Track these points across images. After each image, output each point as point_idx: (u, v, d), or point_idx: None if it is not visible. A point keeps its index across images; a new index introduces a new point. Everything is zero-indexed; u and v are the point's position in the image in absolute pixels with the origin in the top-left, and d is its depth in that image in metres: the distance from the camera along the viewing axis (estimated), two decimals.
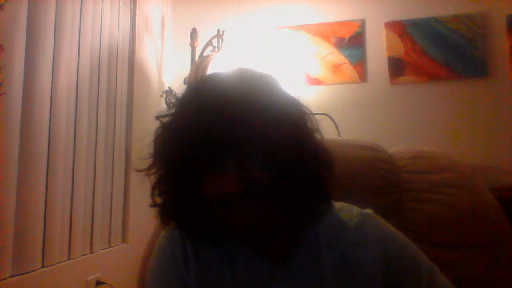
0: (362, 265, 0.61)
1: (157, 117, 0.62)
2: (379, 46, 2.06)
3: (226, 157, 0.51)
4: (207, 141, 0.50)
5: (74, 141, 1.45)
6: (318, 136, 0.60)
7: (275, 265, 0.62)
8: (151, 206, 0.63)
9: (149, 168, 0.60)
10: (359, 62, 2.06)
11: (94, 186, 1.57)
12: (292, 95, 0.60)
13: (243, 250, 0.63)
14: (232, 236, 0.62)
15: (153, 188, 0.61)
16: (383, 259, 0.62)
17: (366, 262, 0.61)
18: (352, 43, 2.08)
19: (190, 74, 1.90)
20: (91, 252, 1.53)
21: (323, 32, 2.13)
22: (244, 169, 0.51)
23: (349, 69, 2.07)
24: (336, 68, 2.08)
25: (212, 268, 0.62)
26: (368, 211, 0.68)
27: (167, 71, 2.26)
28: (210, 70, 1.86)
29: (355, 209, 0.68)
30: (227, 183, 0.52)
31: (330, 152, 0.60)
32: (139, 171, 0.61)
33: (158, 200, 0.62)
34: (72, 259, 1.42)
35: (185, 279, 0.62)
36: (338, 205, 0.68)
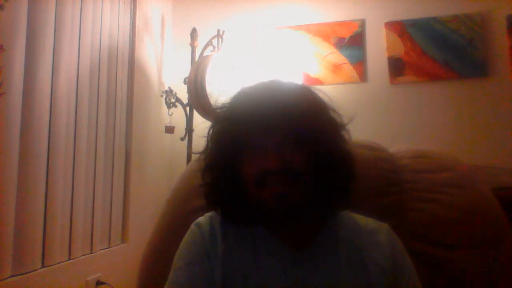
0: (375, 261, 0.66)
1: (216, 108, 0.72)
2: (379, 46, 2.06)
3: (269, 138, 0.62)
4: (254, 124, 0.62)
5: (74, 141, 1.45)
6: (347, 145, 0.70)
7: (295, 253, 0.65)
8: (201, 185, 0.71)
9: (204, 151, 0.71)
10: (359, 62, 2.06)
11: (94, 186, 1.57)
12: (330, 104, 0.71)
13: (267, 236, 0.68)
14: (262, 216, 0.68)
15: (204, 169, 0.70)
16: (392, 259, 0.67)
17: (379, 259, 0.66)
18: (352, 43, 2.08)
19: (190, 74, 1.90)
20: (91, 252, 1.53)
21: (323, 32, 2.13)
22: (283, 149, 0.61)
23: (349, 69, 2.07)
24: (336, 68, 2.08)
25: (236, 251, 0.66)
26: (384, 224, 0.73)
27: (167, 71, 2.26)
28: (210, 70, 1.86)
29: (371, 219, 0.73)
30: (267, 160, 0.61)
31: (355, 162, 0.69)
32: (196, 153, 0.74)
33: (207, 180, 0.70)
34: (72, 259, 1.42)
35: (212, 257, 0.66)
36: (355, 214, 0.74)
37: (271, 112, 0.62)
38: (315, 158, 0.63)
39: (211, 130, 0.71)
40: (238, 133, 0.64)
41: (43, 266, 1.28)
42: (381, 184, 0.91)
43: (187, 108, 2.02)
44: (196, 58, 2.03)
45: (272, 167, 0.60)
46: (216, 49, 2.05)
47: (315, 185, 0.64)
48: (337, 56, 2.09)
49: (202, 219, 0.73)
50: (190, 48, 2.06)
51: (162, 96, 2.00)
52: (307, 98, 0.68)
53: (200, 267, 0.65)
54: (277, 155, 0.61)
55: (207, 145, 0.71)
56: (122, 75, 1.81)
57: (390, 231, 0.72)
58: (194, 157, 0.74)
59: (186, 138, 1.98)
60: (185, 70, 2.02)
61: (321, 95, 0.71)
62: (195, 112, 1.98)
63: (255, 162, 0.63)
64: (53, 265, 1.31)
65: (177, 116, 2.02)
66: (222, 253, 0.66)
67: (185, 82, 1.95)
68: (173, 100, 2.00)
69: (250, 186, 0.64)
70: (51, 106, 1.34)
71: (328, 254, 0.66)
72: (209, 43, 2.04)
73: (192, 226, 0.72)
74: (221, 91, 1.79)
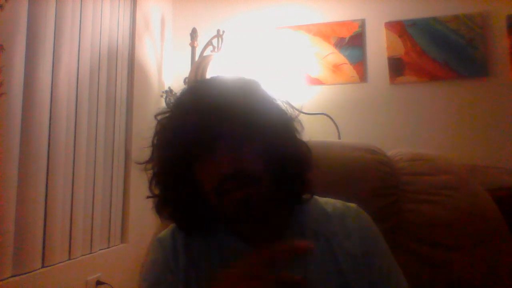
0: (345, 249, 0.65)
1: (156, 115, 0.69)
2: (379, 46, 2.06)
3: (220, 140, 0.58)
4: (202, 127, 0.58)
5: (74, 141, 1.46)
6: (300, 136, 0.68)
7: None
8: (148, 197, 0.68)
9: (148, 161, 0.67)
10: (359, 62, 2.06)
11: (94, 186, 1.57)
12: (276, 97, 0.68)
13: (232, 240, 0.67)
14: (224, 222, 0.67)
15: (151, 180, 0.67)
16: (362, 244, 0.66)
17: (348, 246, 0.65)
18: (352, 43, 2.08)
19: (190, 74, 1.90)
20: (91, 252, 1.53)
21: (323, 32, 2.13)
22: (235, 152, 0.59)
23: (349, 69, 2.07)
24: (336, 68, 2.08)
25: (201, 261, 0.65)
26: (352, 204, 0.71)
27: (167, 71, 2.26)
28: (210, 70, 1.86)
29: (339, 202, 0.72)
30: (221, 166, 0.58)
31: (311, 151, 0.67)
32: (139, 163, 0.68)
33: (156, 192, 0.67)
34: (72, 259, 1.42)
35: (175, 273, 0.65)
36: (323, 199, 0.73)
37: (216, 114, 0.59)
38: (269, 154, 0.61)
39: (155, 138, 0.67)
40: (185, 141, 0.60)
41: (43, 266, 1.28)
42: (379, 186, 0.92)
43: None
44: (196, 58, 2.03)
45: (227, 172, 0.58)
46: (216, 49, 2.05)
47: (274, 182, 0.63)
48: (337, 56, 2.09)
49: (164, 232, 0.71)
50: (190, 48, 2.06)
51: (162, 96, 2.01)
52: (251, 94, 0.65)
53: (164, 287, 0.64)
54: (230, 158, 0.58)
55: (152, 153, 0.67)
56: (122, 75, 1.81)
57: (360, 212, 0.70)
58: None
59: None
60: (185, 70, 2.02)
61: (266, 89, 0.68)
62: None
63: (209, 169, 0.60)
64: (53, 265, 1.31)
65: None
66: (184, 266, 0.64)
67: (185, 82, 1.95)
68: (172, 100, 2.00)
69: (208, 194, 0.61)
70: (51, 106, 1.34)
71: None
72: (209, 43, 2.04)
73: (154, 242, 0.71)
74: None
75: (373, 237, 0.68)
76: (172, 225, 0.71)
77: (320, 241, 0.65)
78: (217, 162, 0.58)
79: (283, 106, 0.68)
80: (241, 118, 0.59)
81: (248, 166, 0.59)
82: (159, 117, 0.68)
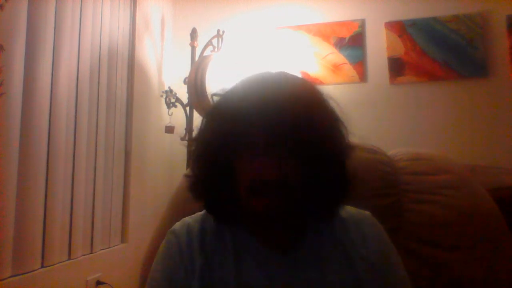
0: (363, 257, 0.64)
1: (213, 95, 0.67)
2: (379, 46, 2.06)
3: (270, 145, 0.55)
4: (254, 127, 0.55)
5: (74, 141, 1.46)
6: (348, 151, 0.64)
7: (281, 257, 0.63)
8: (187, 176, 0.65)
9: (194, 139, 0.65)
10: (359, 62, 2.06)
11: (94, 186, 1.57)
12: (336, 107, 0.64)
13: (250, 241, 0.65)
14: (248, 217, 0.64)
15: (194, 159, 0.66)
16: (380, 252, 0.65)
17: (365, 253, 0.64)
18: (352, 43, 2.08)
19: (190, 74, 1.90)
20: (91, 252, 1.53)
21: (323, 32, 2.13)
22: (284, 160, 0.55)
23: (349, 69, 2.07)
24: (336, 68, 2.08)
25: (216, 262, 0.63)
26: (366, 212, 0.71)
27: (167, 71, 2.26)
28: (210, 70, 1.86)
29: (353, 209, 0.71)
30: (265, 171, 0.55)
31: (353, 169, 0.64)
32: (184, 139, 0.65)
33: (196, 172, 0.65)
34: (72, 259, 1.42)
35: (189, 270, 0.63)
36: None
37: (275, 114, 0.55)
38: (315, 166, 0.58)
39: (205, 120, 0.65)
40: (235, 132, 0.57)
41: (43, 266, 1.28)
42: (379, 186, 0.92)
43: (187, 108, 2.02)
44: (196, 58, 2.03)
45: (270, 179, 0.55)
46: (216, 49, 2.05)
47: (309, 196, 0.60)
48: (337, 56, 2.09)
49: (179, 227, 0.69)
50: (190, 48, 2.06)
51: (162, 96, 2.01)
52: (314, 99, 0.61)
53: (179, 284, 0.62)
54: (277, 166, 0.55)
55: (199, 134, 0.65)
56: (122, 75, 1.81)
57: (374, 220, 0.70)
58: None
59: (186, 138, 1.98)
60: (185, 70, 2.02)
61: (327, 95, 0.64)
62: (195, 112, 1.98)
63: (251, 168, 0.57)
64: (53, 265, 1.32)
65: (177, 116, 2.02)
66: (200, 268, 0.62)
67: (185, 82, 1.95)
68: (173, 100, 2.00)
69: (241, 189, 0.59)
70: (51, 106, 1.34)
71: (315, 256, 0.63)
72: (209, 43, 2.04)
73: (169, 235, 0.68)
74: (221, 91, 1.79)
75: (389, 246, 0.68)
76: (187, 218, 0.70)
77: (337, 249, 0.64)
78: (262, 164, 0.55)
79: (341, 117, 0.64)
80: (302, 124, 0.55)
81: (290, 177, 0.56)
82: (215, 100, 0.65)
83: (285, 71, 0.65)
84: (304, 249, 0.64)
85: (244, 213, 0.63)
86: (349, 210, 0.70)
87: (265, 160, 0.55)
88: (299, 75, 0.68)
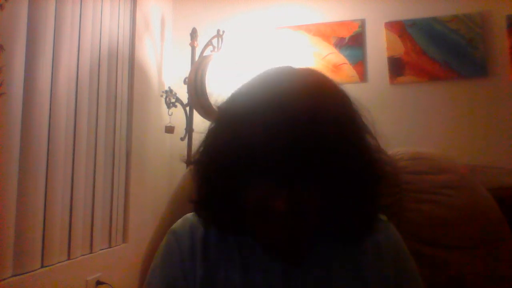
0: (375, 268, 0.59)
1: (219, 107, 0.56)
2: (379, 46, 2.06)
3: (281, 165, 0.46)
4: (264, 142, 0.46)
5: (74, 141, 1.46)
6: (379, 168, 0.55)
7: (288, 268, 0.58)
8: (191, 201, 0.58)
9: (198, 161, 0.57)
10: (359, 62, 2.06)
11: (94, 186, 1.57)
12: (364, 120, 0.55)
13: (256, 250, 0.59)
14: (256, 233, 0.58)
15: (200, 183, 0.57)
16: (395, 264, 0.61)
17: (379, 266, 0.59)
18: (352, 43, 2.08)
19: (190, 74, 1.90)
20: (91, 252, 1.53)
21: (323, 32, 2.13)
22: (300, 193, 0.47)
23: (349, 69, 2.07)
24: (336, 68, 2.08)
25: (219, 271, 0.58)
26: (382, 217, 0.65)
27: (167, 71, 2.26)
28: (210, 70, 1.86)
29: None
30: (276, 199, 0.47)
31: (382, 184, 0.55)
32: (187, 163, 0.57)
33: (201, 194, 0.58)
34: (72, 259, 1.42)
35: (190, 279, 0.58)
36: None
37: (288, 128, 0.45)
38: (338, 191, 0.49)
39: (210, 133, 0.57)
40: (242, 148, 0.48)
41: (43, 266, 1.28)
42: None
43: (187, 108, 2.02)
44: (196, 58, 2.03)
45: (278, 208, 0.47)
46: (216, 49, 2.05)
47: (330, 217, 0.53)
48: (337, 56, 2.09)
49: (180, 226, 0.62)
50: (190, 48, 2.06)
51: (162, 96, 2.01)
52: (341, 109, 0.51)
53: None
54: (288, 193, 0.47)
55: (203, 148, 0.57)
56: (122, 75, 1.81)
57: (389, 226, 0.64)
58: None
59: (186, 138, 1.98)
60: (185, 70, 2.02)
61: (354, 100, 0.55)
62: (195, 112, 1.98)
63: (258, 192, 0.49)
64: (53, 265, 1.31)
65: (177, 116, 2.02)
66: (201, 278, 0.57)
67: (185, 82, 1.95)
68: (173, 100, 2.00)
69: (248, 211, 0.52)
70: (51, 106, 1.34)
71: (323, 266, 0.59)
72: (209, 43, 2.04)
73: (169, 235, 0.62)
74: (221, 91, 1.79)
75: (405, 257, 0.63)
76: (187, 217, 0.64)
77: (348, 260, 0.59)
78: (271, 189, 0.48)
79: (369, 129, 0.55)
80: (321, 141, 0.45)
81: (306, 207, 0.48)
82: (221, 109, 0.56)
83: (304, 70, 0.57)
84: (313, 260, 0.59)
85: (256, 232, 0.57)
86: None
87: (273, 185, 0.48)
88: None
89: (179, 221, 0.64)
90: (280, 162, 0.46)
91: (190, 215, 0.64)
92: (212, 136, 0.56)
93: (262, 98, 0.49)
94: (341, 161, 0.47)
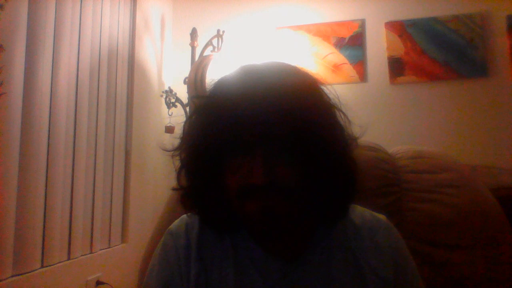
0: (374, 269, 0.59)
1: (193, 98, 0.62)
2: (379, 46, 2.06)
3: (258, 147, 0.50)
4: (238, 125, 0.51)
5: (74, 141, 1.45)
6: (350, 144, 0.59)
7: (283, 266, 0.58)
8: (174, 189, 0.61)
9: (177, 149, 0.61)
10: (359, 62, 2.06)
11: (94, 186, 1.56)
12: (333, 97, 0.59)
13: (251, 247, 0.60)
14: (246, 226, 0.60)
15: (179, 171, 0.61)
16: (394, 265, 0.60)
17: (378, 267, 0.59)
18: (352, 43, 2.08)
19: (190, 74, 1.90)
20: (91, 252, 1.53)
21: (323, 32, 2.13)
22: (273, 163, 0.50)
23: (349, 69, 2.07)
24: (336, 68, 2.08)
25: (213, 270, 0.59)
26: (381, 216, 0.66)
27: (167, 71, 2.26)
28: (210, 70, 1.86)
29: (367, 212, 0.65)
30: (252, 174, 0.50)
31: (356, 163, 0.58)
32: (166, 150, 0.62)
33: (183, 183, 0.61)
34: (72, 259, 1.41)
35: (185, 279, 0.59)
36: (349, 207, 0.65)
37: (260, 109, 0.50)
38: (312, 168, 0.52)
39: (186, 126, 0.60)
40: (219, 135, 0.52)
41: (42, 266, 1.28)
42: (380, 185, 0.91)
43: (187, 108, 2.02)
44: (196, 58, 2.03)
45: (257, 182, 0.49)
46: (216, 49, 2.05)
47: (309, 197, 0.55)
48: (337, 56, 2.09)
49: (177, 227, 0.64)
50: (190, 48, 2.06)
51: (162, 96, 2.01)
52: (309, 91, 0.56)
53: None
54: (264, 168, 0.49)
55: (182, 142, 0.61)
56: (122, 75, 1.80)
57: (389, 226, 0.64)
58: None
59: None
60: (185, 70, 2.02)
61: (324, 86, 0.59)
62: None
63: (238, 173, 0.52)
64: (52, 265, 1.31)
65: (177, 116, 2.02)
66: (195, 277, 0.58)
67: (185, 82, 1.95)
68: (173, 100, 2.00)
69: (232, 197, 0.55)
70: (51, 106, 1.34)
71: (320, 266, 0.58)
72: (209, 43, 2.04)
73: (166, 236, 0.64)
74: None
75: (405, 258, 0.63)
76: (183, 217, 0.65)
77: (346, 259, 0.59)
78: (248, 167, 0.51)
79: (341, 110, 0.59)
80: (291, 120, 0.50)
81: (283, 180, 0.51)
82: (195, 101, 0.62)
83: (273, 61, 0.62)
84: (309, 258, 0.59)
85: (244, 220, 0.58)
86: (363, 215, 0.64)
87: (250, 163, 0.50)
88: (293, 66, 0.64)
89: (176, 221, 0.66)
90: (245, 136, 0.50)
91: (186, 216, 0.66)
92: (191, 124, 0.60)
93: (237, 83, 0.55)
94: (302, 127, 0.51)
